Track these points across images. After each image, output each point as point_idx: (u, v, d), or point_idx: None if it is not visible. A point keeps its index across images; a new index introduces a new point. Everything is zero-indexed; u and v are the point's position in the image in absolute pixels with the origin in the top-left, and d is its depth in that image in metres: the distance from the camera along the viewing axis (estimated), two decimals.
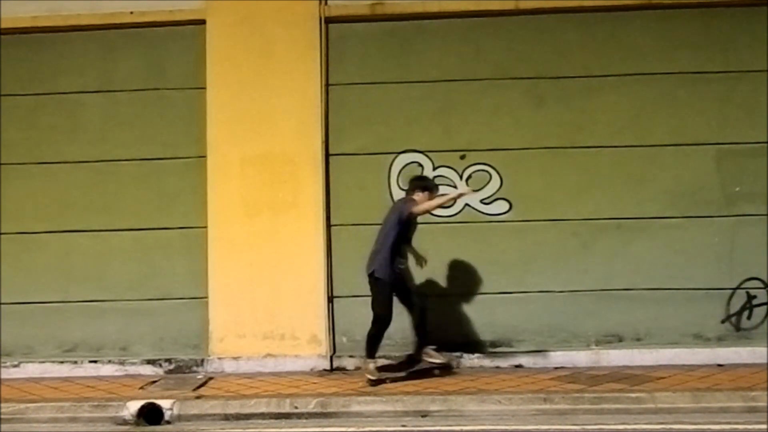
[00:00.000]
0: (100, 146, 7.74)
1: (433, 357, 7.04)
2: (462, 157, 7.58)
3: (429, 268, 7.32)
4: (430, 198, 6.81)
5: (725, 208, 7.45)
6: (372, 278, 6.76)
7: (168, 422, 6.13)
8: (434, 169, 7.57)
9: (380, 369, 6.87)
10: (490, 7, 7.56)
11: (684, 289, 7.39)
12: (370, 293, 6.84)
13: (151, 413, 6.15)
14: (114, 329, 7.65)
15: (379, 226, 6.90)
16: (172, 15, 7.68)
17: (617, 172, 7.50)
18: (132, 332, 7.65)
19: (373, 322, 6.80)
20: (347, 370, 7.44)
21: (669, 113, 7.53)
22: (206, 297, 7.54)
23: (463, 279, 7.52)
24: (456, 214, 7.52)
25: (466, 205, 7.53)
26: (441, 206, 6.99)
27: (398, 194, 7.52)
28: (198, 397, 6.44)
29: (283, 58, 7.57)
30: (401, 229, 6.75)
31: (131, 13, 7.68)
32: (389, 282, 6.73)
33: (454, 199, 7.08)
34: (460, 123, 7.61)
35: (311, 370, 7.42)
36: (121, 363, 7.58)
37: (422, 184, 6.97)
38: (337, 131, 7.61)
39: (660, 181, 7.49)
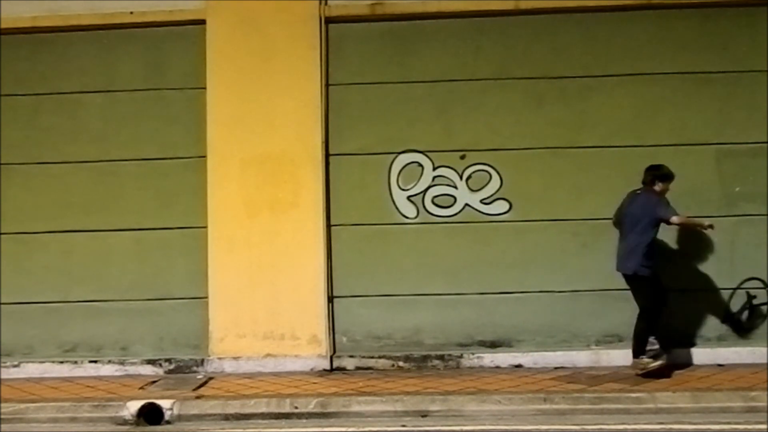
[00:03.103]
0: (100, 146, 7.74)
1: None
2: (462, 157, 7.58)
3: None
4: (666, 187, 6.84)
5: (725, 208, 7.45)
6: (631, 278, 6.79)
7: (168, 422, 6.14)
8: (434, 169, 7.58)
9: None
10: (489, 7, 7.56)
11: (684, 289, 7.39)
12: (631, 289, 6.88)
13: (151, 413, 6.15)
14: (114, 329, 7.65)
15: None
16: (172, 15, 7.68)
17: (617, 172, 7.48)
18: (132, 332, 7.65)
19: (640, 317, 6.80)
20: (347, 370, 7.44)
21: (669, 113, 7.53)
22: (206, 297, 7.54)
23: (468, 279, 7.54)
24: (456, 214, 7.53)
25: (466, 205, 7.54)
26: (689, 226, 6.96)
27: (398, 194, 7.54)
28: (198, 397, 6.44)
29: (283, 58, 7.57)
30: (657, 229, 6.77)
31: (131, 13, 7.69)
32: (648, 277, 6.73)
33: (702, 227, 6.90)
34: (460, 123, 7.61)
35: (311, 370, 7.42)
36: (121, 363, 7.58)
37: (660, 173, 6.89)
38: (337, 131, 7.61)
39: None
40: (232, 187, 7.53)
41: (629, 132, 7.52)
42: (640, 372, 6.73)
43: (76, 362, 7.61)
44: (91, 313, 7.65)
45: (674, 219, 6.71)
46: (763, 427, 5.48)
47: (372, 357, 7.49)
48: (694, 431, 5.51)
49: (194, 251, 7.58)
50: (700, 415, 5.82)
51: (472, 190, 7.55)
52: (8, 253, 7.68)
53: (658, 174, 6.87)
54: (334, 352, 7.53)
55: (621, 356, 7.29)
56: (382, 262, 7.55)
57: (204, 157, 7.60)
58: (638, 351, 6.79)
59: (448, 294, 7.51)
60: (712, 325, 7.45)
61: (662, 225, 6.80)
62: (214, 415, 6.15)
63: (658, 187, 6.84)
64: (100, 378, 7.41)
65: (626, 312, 7.36)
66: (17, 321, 7.63)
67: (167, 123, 7.72)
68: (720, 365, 7.18)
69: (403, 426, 5.80)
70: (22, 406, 6.35)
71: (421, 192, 7.59)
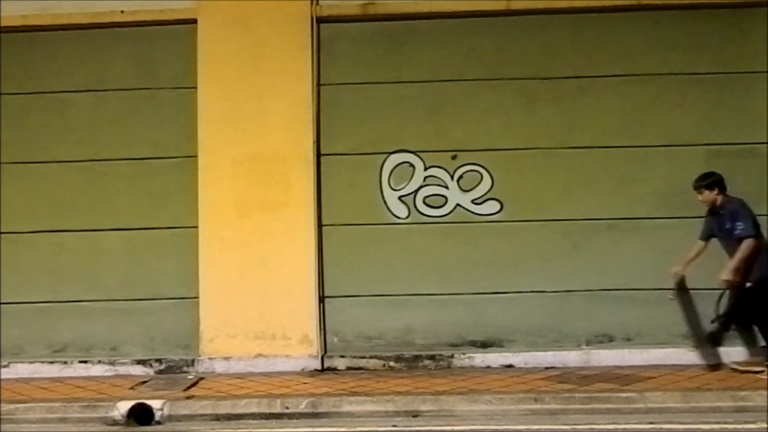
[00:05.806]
0: (90, 146, 7.71)
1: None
2: (453, 158, 7.59)
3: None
4: (717, 196, 6.87)
5: None
6: None
7: (158, 422, 6.11)
8: (425, 169, 7.58)
9: None
10: (481, 8, 7.57)
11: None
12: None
13: (141, 414, 6.13)
14: (104, 329, 7.62)
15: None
16: (162, 14, 7.66)
17: (608, 173, 7.52)
18: (122, 332, 7.62)
19: None
20: (338, 370, 7.43)
21: (660, 114, 7.55)
22: (197, 297, 7.52)
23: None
24: (447, 214, 7.53)
25: (458, 205, 7.54)
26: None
27: (389, 194, 7.54)
28: (188, 398, 6.42)
29: (275, 58, 7.56)
30: None
31: (122, 12, 7.66)
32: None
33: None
34: (452, 123, 7.62)
35: (302, 370, 7.41)
36: (112, 363, 7.56)
37: (704, 183, 6.92)
38: (328, 131, 7.61)
39: (651, 181, 7.51)
40: (223, 186, 7.51)
41: (620, 132, 7.54)
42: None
43: (65, 362, 7.58)
44: (81, 313, 7.62)
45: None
46: (753, 426, 5.50)
47: (363, 357, 7.48)
48: (684, 431, 5.52)
49: (185, 251, 7.55)
50: (690, 414, 5.83)
51: (464, 191, 7.55)
52: None
53: (701, 184, 7.00)
54: (325, 352, 7.52)
55: (611, 356, 7.33)
56: (373, 262, 7.55)
57: (195, 156, 7.58)
58: None
59: (439, 294, 7.51)
60: (706, 325, 7.43)
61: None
62: (205, 415, 6.13)
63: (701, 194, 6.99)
64: (90, 378, 7.38)
65: (616, 312, 7.41)
66: (6, 321, 7.59)
67: (158, 122, 7.70)
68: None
69: (394, 426, 5.79)
70: (12, 406, 6.31)
71: (412, 192, 7.59)
